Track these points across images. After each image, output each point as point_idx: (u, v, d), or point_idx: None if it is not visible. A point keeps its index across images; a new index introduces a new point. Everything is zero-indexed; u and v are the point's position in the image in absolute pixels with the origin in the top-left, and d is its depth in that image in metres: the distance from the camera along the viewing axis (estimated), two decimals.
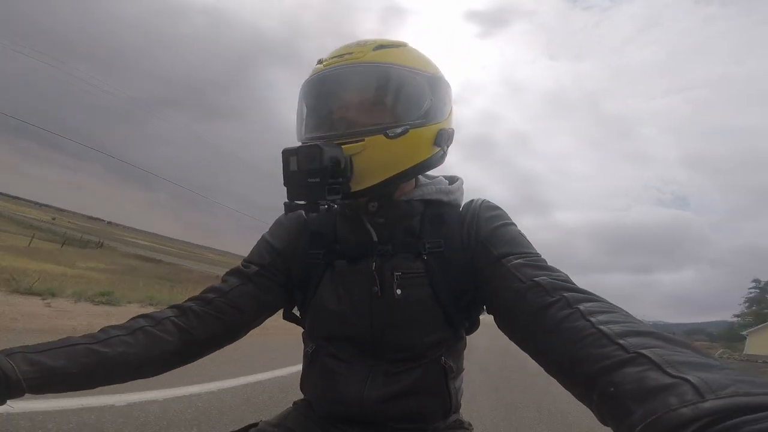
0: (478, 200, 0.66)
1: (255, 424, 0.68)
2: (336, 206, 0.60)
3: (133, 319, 0.60)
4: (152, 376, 0.60)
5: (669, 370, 0.32)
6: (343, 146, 0.55)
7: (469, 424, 0.71)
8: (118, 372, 0.55)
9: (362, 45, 0.60)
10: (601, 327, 0.41)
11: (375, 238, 0.62)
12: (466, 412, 0.73)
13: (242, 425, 0.67)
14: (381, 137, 0.55)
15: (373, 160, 0.56)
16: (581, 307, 0.45)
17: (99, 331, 0.57)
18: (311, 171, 0.52)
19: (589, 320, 0.42)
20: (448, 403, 0.64)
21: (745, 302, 40.52)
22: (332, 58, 0.60)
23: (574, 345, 0.41)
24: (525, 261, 0.55)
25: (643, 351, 0.35)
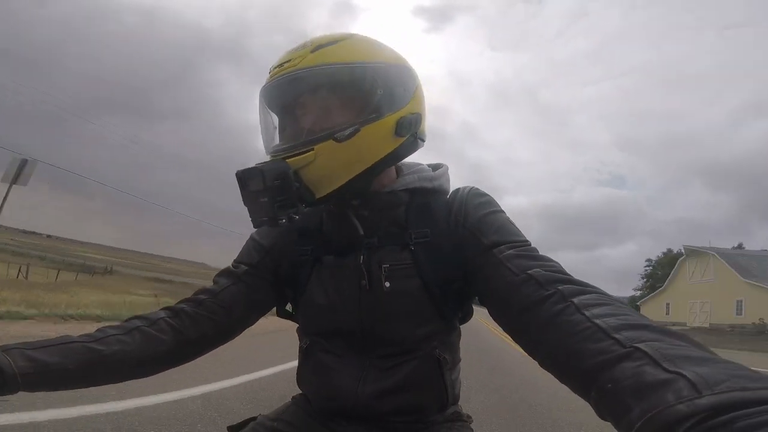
0: (465, 188, 0.64)
1: (254, 418, 0.68)
2: (297, 217, 0.56)
3: (128, 319, 0.60)
4: (147, 376, 0.60)
5: (665, 365, 0.32)
6: (289, 159, 0.55)
7: (468, 417, 0.70)
8: (114, 371, 0.55)
9: (301, 49, 0.58)
10: (597, 321, 0.40)
11: (361, 232, 0.61)
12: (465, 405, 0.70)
13: (240, 419, 0.68)
14: (330, 143, 0.54)
15: (326, 167, 0.55)
16: (576, 300, 0.44)
17: (96, 330, 0.56)
18: (258, 192, 0.53)
19: (583, 314, 0.42)
20: (445, 395, 0.63)
21: (642, 278, 47.13)
22: (275, 68, 0.58)
23: (570, 339, 0.41)
24: (517, 251, 0.54)
25: (639, 345, 0.35)
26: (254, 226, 0.58)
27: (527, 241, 0.57)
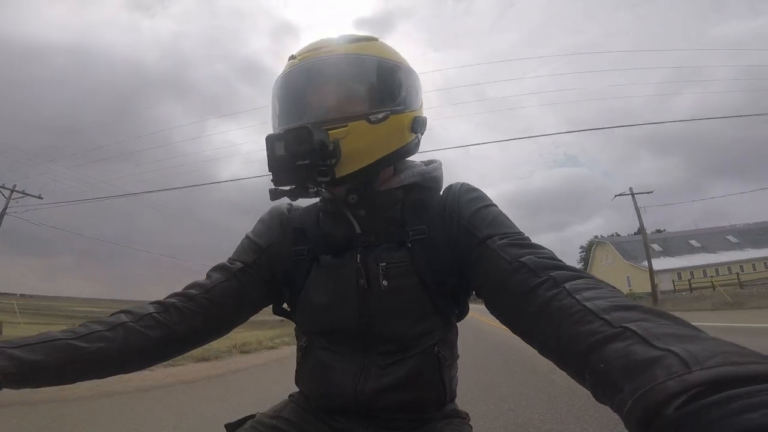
0: (457, 184, 0.65)
1: (252, 416, 0.67)
2: (323, 189, 0.57)
3: (114, 314, 0.59)
4: (131, 371, 0.59)
5: (655, 343, 0.32)
6: (330, 131, 0.55)
7: (466, 414, 0.69)
8: (97, 368, 0.54)
9: (337, 39, 0.61)
10: (587, 303, 0.41)
11: (358, 230, 0.61)
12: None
13: (238, 417, 0.67)
14: (364, 122, 0.56)
15: (357, 145, 0.56)
16: (567, 285, 0.45)
17: (80, 325, 0.56)
18: (300, 153, 0.52)
19: (575, 298, 0.42)
20: (443, 392, 0.62)
21: (579, 263, 51.48)
22: (308, 51, 0.60)
23: (562, 324, 0.41)
24: (509, 241, 0.54)
25: (629, 325, 0.35)
26: (272, 197, 0.57)
27: (520, 231, 0.58)
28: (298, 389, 0.71)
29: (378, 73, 0.60)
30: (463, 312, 0.68)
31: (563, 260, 0.51)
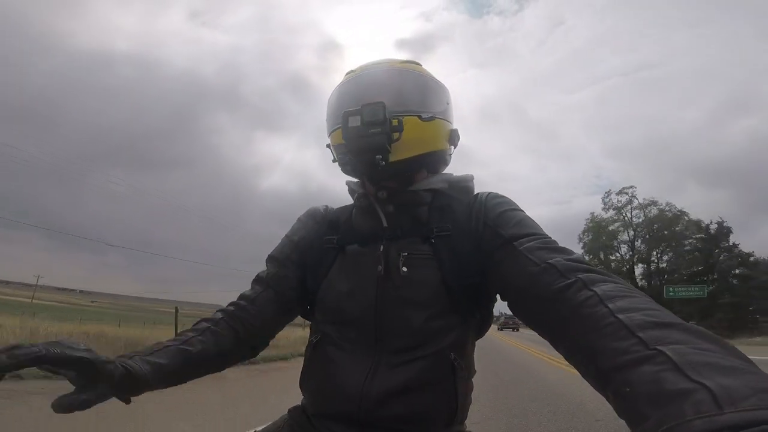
0: (485, 192, 0.67)
1: None
2: (384, 163, 0.60)
3: (197, 323, 0.66)
4: (222, 370, 0.66)
5: (689, 372, 0.29)
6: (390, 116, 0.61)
7: None
8: (201, 367, 0.62)
9: (390, 59, 0.69)
10: (620, 316, 0.38)
11: (385, 224, 0.64)
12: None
13: None
14: (416, 118, 0.62)
15: (408, 136, 0.61)
16: (598, 290, 0.42)
17: (177, 335, 0.63)
18: (374, 123, 0.58)
19: (607, 306, 0.40)
20: (455, 407, 0.59)
21: None
22: (365, 67, 0.68)
23: (592, 335, 0.39)
24: (537, 243, 0.54)
25: (663, 348, 0.32)
26: (342, 170, 0.66)
27: (547, 235, 0.57)
28: (296, 404, 0.71)
29: (427, 84, 0.67)
30: (485, 322, 0.67)
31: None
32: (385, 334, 0.60)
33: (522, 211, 0.63)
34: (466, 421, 0.66)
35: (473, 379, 0.66)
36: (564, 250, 0.53)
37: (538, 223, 0.60)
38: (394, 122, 0.60)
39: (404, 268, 0.60)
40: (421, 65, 0.70)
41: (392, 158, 0.61)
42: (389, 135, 0.59)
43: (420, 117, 0.63)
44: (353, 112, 0.60)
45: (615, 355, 0.35)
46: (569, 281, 0.46)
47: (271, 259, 0.73)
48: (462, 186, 0.70)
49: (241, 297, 0.71)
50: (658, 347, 0.33)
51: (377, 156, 0.59)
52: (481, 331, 0.68)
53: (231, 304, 0.70)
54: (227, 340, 0.64)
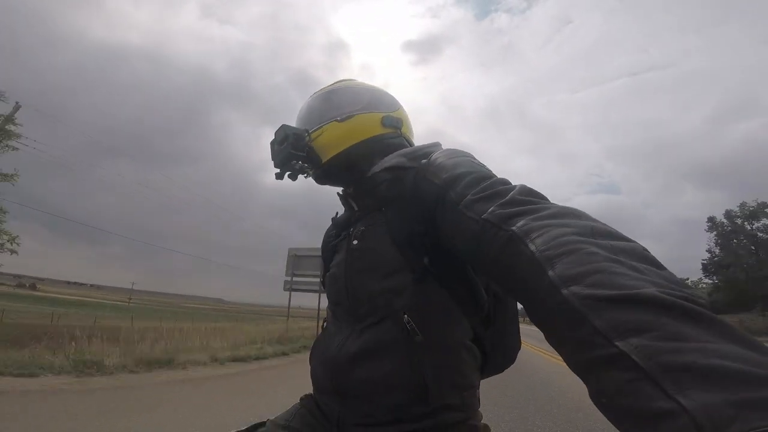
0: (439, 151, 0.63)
1: (262, 424, 0.70)
2: (307, 175, 0.74)
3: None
4: None
5: (664, 384, 0.24)
6: (311, 132, 0.71)
7: (486, 427, 0.62)
8: None
9: (330, 83, 0.79)
10: (565, 292, 0.31)
11: (356, 209, 0.72)
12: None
13: (249, 425, 0.70)
14: (334, 123, 0.71)
15: (330, 138, 0.70)
16: (534, 246, 0.36)
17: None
18: (278, 140, 0.70)
19: (547, 274, 0.33)
20: (420, 378, 0.55)
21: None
22: (310, 96, 0.79)
23: (545, 320, 0.34)
24: (476, 196, 0.47)
25: (627, 348, 0.26)
26: (276, 177, 0.73)
27: (489, 175, 0.51)
28: (308, 393, 0.74)
29: (344, 92, 0.75)
30: (478, 300, 0.61)
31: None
32: (353, 305, 0.64)
33: (466, 156, 0.58)
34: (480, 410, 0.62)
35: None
36: (499, 193, 0.46)
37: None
38: (302, 140, 0.70)
39: (354, 241, 0.67)
40: (352, 80, 0.80)
41: (324, 159, 0.70)
42: (290, 150, 0.68)
43: (337, 120, 0.71)
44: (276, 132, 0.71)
45: (578, 349, 0.30)
46: (504, 238, 0.40)
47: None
48: (420, 154, 0.66)
49: None
50: (619, 343, 0.27)
51: (285, 171, 0.71)
52: (476, 310, 0.61)
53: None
54: None
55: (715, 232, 33.15)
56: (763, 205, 29.81)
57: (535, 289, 0.35)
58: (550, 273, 0.33)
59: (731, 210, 32.44)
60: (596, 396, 0.29)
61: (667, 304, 0.27)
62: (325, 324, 0.76)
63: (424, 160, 0.62)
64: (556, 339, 0.33)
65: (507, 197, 0.44)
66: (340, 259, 0.70)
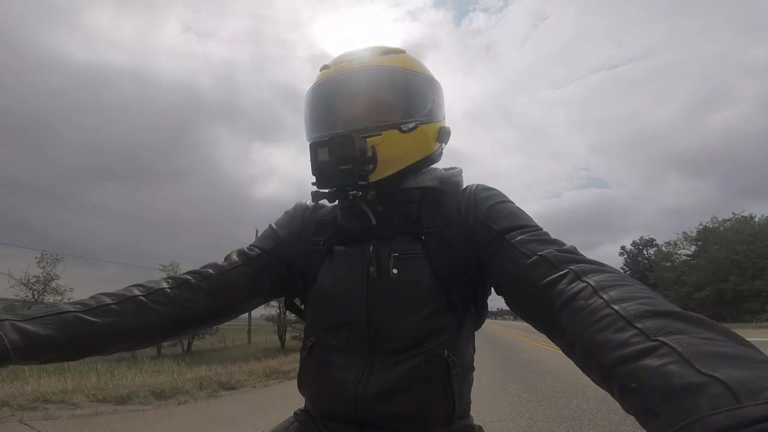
0: (473, 184, 0.65)
1: None
2: (359, 194, 0.59)
3: (127, 287, 0.59)
4: (140, 348, 0.59)
5: (697, 365, 0.28)
6: (369, 138, 0.58)
7: (480, 428, 0.65)
8: (105, 343, 0.54)
9: (368, 50, 0.64)
10: (616, 306, 0.36)
11: (374, 222, 0.62)
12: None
13: None
14: (396, 131, 0.59)
15: (390, 152, 0.59)
16: (591, 281, 0.41)
17: (90, 297, 0.56)
18: (343, 158, 0.55)
19: (602, 297, 0.38)
20: (451, 403, 0.57)
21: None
22: (341, 63, 0.63)
23: (589, 328, 0.37)
24: (529, 236, 0.52)
25: (666, 339, 0.31)
26: (313, 199, 0.61)
27: (539, 226, 0.56)
28: (302, 406, 0.69)
29: (407, 85, 0.63)
30: (481, 316, 0.64)
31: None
32: (379, 336, 0.58)
33: (512, 202, 0.61)
34: (472, 414, 0.65)
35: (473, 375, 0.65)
36: (555, 242, 0.51)
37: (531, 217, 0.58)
38: (368, 152, 0.58)
39: (395, 270, 0.58)
40: (404, 53, 0.66)
41: (372, 179, 0.59)
42: (361, 168, 0.57)
43: (400, 129, 0.60)
44: (322, 143, 0.58)
45: (615, 348, 0.34)
46: (561, 273, 0.45)
47: (256, 245, 0.70)
48: (452, 181, 0.67)
49: (209, 266, 0.66)
50: (659, 338, 0.31)
51: (350, 192, 0.58)
52: (479, 323, 0.66)
53: (190, 272, 0.65)
54: (158, 313, 0.57)
55: (625, 256, 46.42)
56: (651, 240, 43.88)
57: (584, 307, 0.40)
58: (604, 296, 0.39)
59: (636, 240, 46.17)
60: (624, 382, 0.32)
61: (695, 317, 0.34)
62: (308, 344, 0.64)
63: (458, 191, 0.65)
64: (587, 339, 0.37)
65: (565, 246, 0.50)
66: (357, 279, 0.60)
